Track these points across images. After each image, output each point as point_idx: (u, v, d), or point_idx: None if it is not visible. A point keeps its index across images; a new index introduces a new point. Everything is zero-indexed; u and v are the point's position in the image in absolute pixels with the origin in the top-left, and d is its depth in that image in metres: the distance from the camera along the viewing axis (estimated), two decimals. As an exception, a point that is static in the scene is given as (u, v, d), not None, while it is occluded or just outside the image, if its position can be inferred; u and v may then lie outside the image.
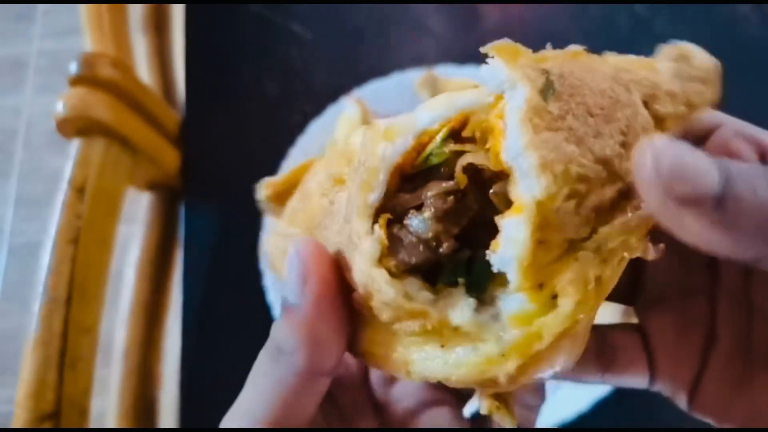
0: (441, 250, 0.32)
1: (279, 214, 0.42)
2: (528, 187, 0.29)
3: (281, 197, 0.41)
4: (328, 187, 0.37)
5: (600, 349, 0.40)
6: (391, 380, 0.46)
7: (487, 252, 0.31)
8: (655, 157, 0.25)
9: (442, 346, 0.33)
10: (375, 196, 0.33)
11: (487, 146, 0.32)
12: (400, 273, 0.33)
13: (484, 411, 0.36)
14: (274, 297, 0.95)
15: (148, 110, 1.02)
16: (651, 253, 0.31)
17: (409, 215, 0.33)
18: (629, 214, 0.30)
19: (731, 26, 1.09)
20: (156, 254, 1.06)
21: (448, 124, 0.34)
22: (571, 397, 0.89)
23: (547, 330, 0.30)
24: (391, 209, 0.34)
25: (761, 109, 1.02)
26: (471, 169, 0.32)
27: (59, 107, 0.90)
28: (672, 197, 0.25)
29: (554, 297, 0.31)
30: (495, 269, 0.31)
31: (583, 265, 0.30)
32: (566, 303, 0.30)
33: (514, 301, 0.31)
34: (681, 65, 0.35)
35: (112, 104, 0.94)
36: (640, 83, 0.33)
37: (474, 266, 0.33)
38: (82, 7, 1.04)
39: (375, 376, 0.47)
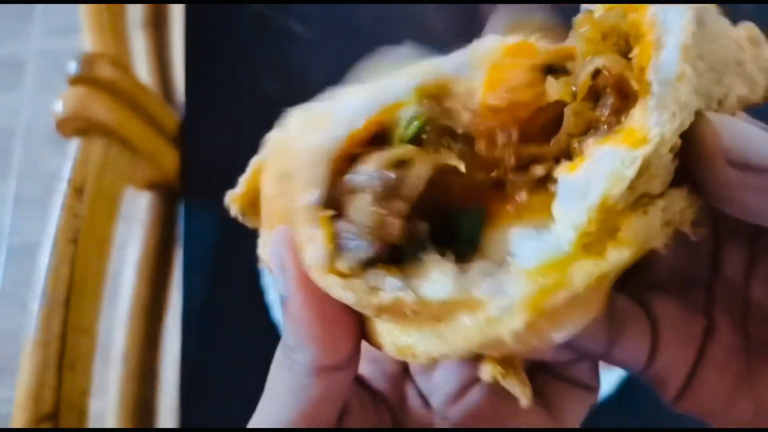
0: (392, 235, 0.29)
1: (258, 223, 0.38)
2: (661, 106, 0.27)
3: (252, 206, 0.38)
4: (282, 186, 0.33)
5: (612, 314, 0.38)
6: (428, 368, 0.44)
7: (561, 174, 0.28)
8: (717, 129, 0.28)
9: (435, 320, 0.30)
10: (314, 196, 0.30)
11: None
12: (358, 269, 0.30)
13: (487, 377, 0.34)
14: (273, 297, 0.95)
15: (148, 110, 1.02)
16: (694, 234, 0.31)
17: (351, 203, 0.30)
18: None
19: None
20: (155, 254, 1.06)
21: (420, 89, 0.31)
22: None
23: (581, 276, 0.28)
24: (334, 200, 0.31)
25: (761, 109, 1.02)
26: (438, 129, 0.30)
27: (58, 107, 0.90)
28: (734, 164, 0.27)
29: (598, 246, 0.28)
30: (569, 195, 0.28)
31: (652, 220, 0.29)
32: (618, 253, 0.28)
33: (541, 245, 0.29)
34: (756, 50, 0.34)
35: (112, 104, 0.93)
36: (733, 53, 0.32)
37: (462, 226, 0.31)
38: (82, 7, 1.04)
39: (414, 368, 0.45)
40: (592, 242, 0.28)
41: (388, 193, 0.29)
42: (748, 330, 0.37)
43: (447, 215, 0.32)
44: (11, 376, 0.81)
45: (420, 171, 0.30)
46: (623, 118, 0.28)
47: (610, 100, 0.29)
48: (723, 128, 0.28)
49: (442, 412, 0.43)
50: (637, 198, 0.29)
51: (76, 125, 0.91)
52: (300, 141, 0.31)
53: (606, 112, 0.29)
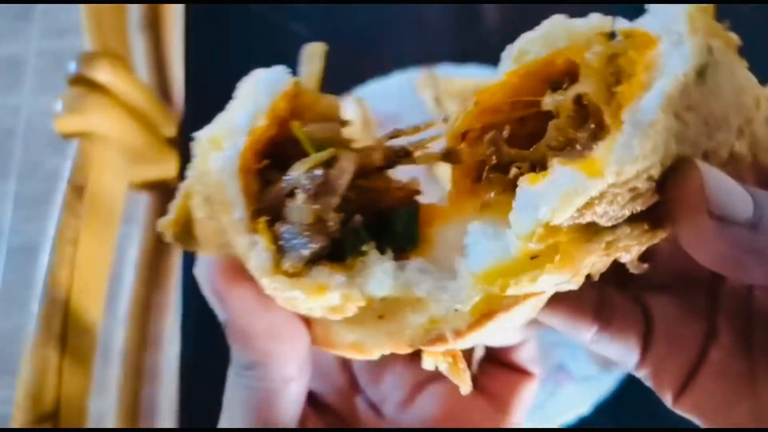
0: (329, 227, 0.31)
1: (195, 246, 0.40)
2: (627, 147, 0.27)
3: (186, 231, 0.38)
4: (208, 208, 0.34)
5: (599, 306, 0.39)
6: (376, 377, 0.46)
7: (523, 183, 0.29)
8: (703, 179, 0.29)
9: (380, 317, 0.32)
10: (238, 213, 0.32)
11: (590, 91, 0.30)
12: (303, 267, 0.32)
13: (429, 366, 0.36)
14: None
15: (147, 110, 1.02)
16: (637, 268, 0.33)
17: (287, 206, 0.32)
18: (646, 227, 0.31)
19: (731, 27, 1.09)
20: (155, 254, 1.06)
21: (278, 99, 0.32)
22: (573, 397, 0.89)
23: (522, 286, 0.30)
24: (267, 207, 0.32)
25: None
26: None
27: (58, 107, 0.90)
28: (712, 215, 0.29)
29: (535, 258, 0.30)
30: (524, 205, 0.29)
31: (591, 250, 0.30)
32: (552, 272, 0.30)
33: (494, 246, 0.30)
34: None
35: (111, 104, 0.93)
36: (742, 111, 0.32)
37: (395, 223, 0.33)
38: (81, 7, 1.04)
39: (362, 379, 0.46)
40: (538, 254, 0.30)
41: (318, 191, 0.31)
42: (752, 336, 0.37)
43: (383, 215, 0.33)
44: (11, 376, 0.81)
45: (345, 166, 0.32)
46: (596, 145, 0.29)
47: (591, 124, 0.30)
48: (709, 178, 0.29)
49: (394, 419, 0.44)
50: (587, 224, 0.29)
51: (75, 125, 0.91)
52: (206, 164, 0.32)
53: (585, 135, 0.30)
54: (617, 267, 0.34)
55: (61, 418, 0.77)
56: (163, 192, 1.09)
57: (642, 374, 0.40)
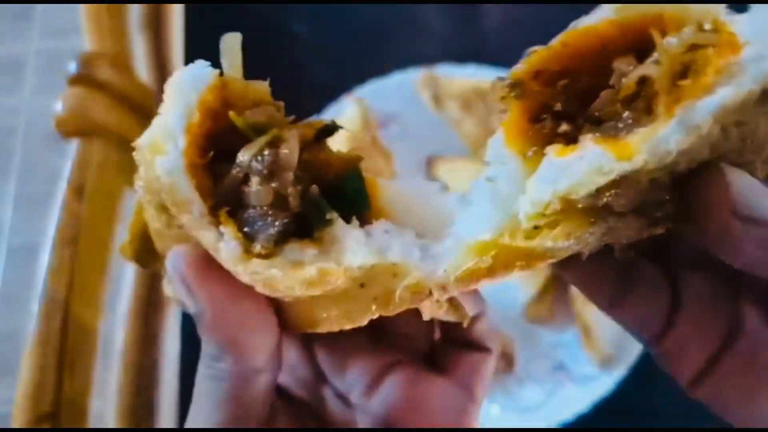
0: (290, 203, 0.32)
1: (157, 264, 0.40)
2: (664, 141, 0.28)
3: (146, 248, 0.39)
4: (165, 218, 0.35)
5: (623, 271, 0.38)
6: (341, 367, 0.46)
7: (549, 152, 0.30)
8: (730, 181, 0.30)
9: (362, 285, 0.33)
10: (197, 210, 0.32)
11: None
12: (274, 247, 0.32)
13: (427, 317, 0.37)
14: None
15: (147, 110, 1.02)
16: (620, 256, 0.34)
17: (244, 193, 0.33)
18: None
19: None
20: (155, 254, 1.06)
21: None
22: (573, 397, 0.89)
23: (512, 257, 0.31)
24: (224, 199, 0.33)
25: None
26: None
27: (58, 107, 0.90)
28: (737, 216, 0.30)
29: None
30: (545, 174, 0.30)
31: (593, 231, 0.31)
32: (545, 241, 0.31)
33: (484, 221, 0.32)
34: None
35: (111, 104, 0.93)
36: None
37: (344, 184, 0.34)
38: (81, 7, 1.04)
39: (328, 370, 0.47)
40: (540, 226, 0.30)
41: (271, 170, 0.32)
42: None
43: (331, 185, 0.35)
44: (11, 376, 0.81)
45: (291, 142, 0.33)
46: (636, 129, 0.29)
47: (641, 106, 0.30)
48: (734, 180, 0.30)
49: (362, 406, 0.45)
50: (601, 206, 0.30)
51: (75, 125, 0.91)
52: (153, 171, 0.33)
53: (631, 115, 0.30)
54: (652, 239, 0.35)
55: (61, 418, 0.77)
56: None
57: (659, 351, 0.39)
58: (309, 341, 0.47)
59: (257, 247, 0.32)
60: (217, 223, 0.32)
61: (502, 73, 0.34)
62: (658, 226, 0.33)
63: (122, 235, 0.94)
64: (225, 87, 0.35)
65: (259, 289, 0.33)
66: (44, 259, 0.82)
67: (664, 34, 0.30)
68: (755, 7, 0.30)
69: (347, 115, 1.03)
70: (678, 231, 0.35)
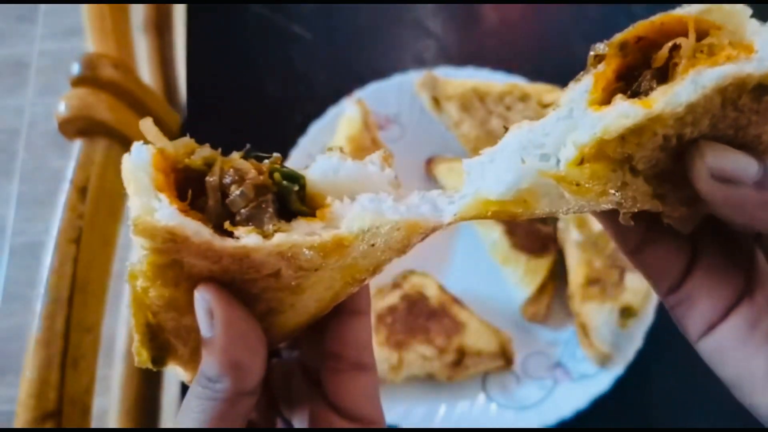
0: (269, 186, 0.39)
1: (176, 353, 0.45)
2: (678, 95, 0.34)
3: (159, 346, 0.44)
4: (173, 274, 0.39)
5: (651, 222, 0.41)
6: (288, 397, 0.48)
7: (586, 108, 0.37)
8: (708, 149, 0.35)
9: (373, 245, 0.40)
10: (206, 234, 0.37)
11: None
12: (281, 223, 0.38)
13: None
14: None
15: (150, 110, 1.03)
16: (623, 220, 0.39)
17: (230, 203, 0.39)
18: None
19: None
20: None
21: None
22: (570, 395, 0.89)
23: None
24: (218, 217, 0.38)
25: None
26: None
27: (61, 108, 0.91)
28: (718, 178, 0.35)
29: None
30: (586, 124, 0.36)
31: (612, 178, 0.37)
32: (573, 174, 0.37)
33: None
34: None
35: (114, 105, 0.94)
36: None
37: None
38: (84, 8, 1.05)
39: (280, 398, 0.49)
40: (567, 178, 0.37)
41: (239, 175, 0.39)
42: None
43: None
44: (14, 374, 0.82)
45: (234, 157, 0.41)
46: (659, 88, 0.36)
47: (667, 68, 0.37)
48: (708, 150, 0.35)
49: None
50: (622, 159, 0.36)
51: (78, 126, 0.91)
52: (157, 228, 0.37)
53: (656, 83, 0.37)
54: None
55: (63, 416, 0.78)
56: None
57: (673, 302, 0.42)
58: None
59: (270, 228, 0.38)
60: (233, 233, 0.37)
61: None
62: (656, 201, 0.38)
63: (124, 235, 0.95)
64: (163, 153, 0.40)
65: (285, 271, 0.39)
66: (47, 258, 0.82)
67: (701, 33, 0.37)
68: None
69: (348, 116, 1.04)
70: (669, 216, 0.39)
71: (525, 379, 0.93)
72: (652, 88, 0.36)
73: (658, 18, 0.38)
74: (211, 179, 0.39)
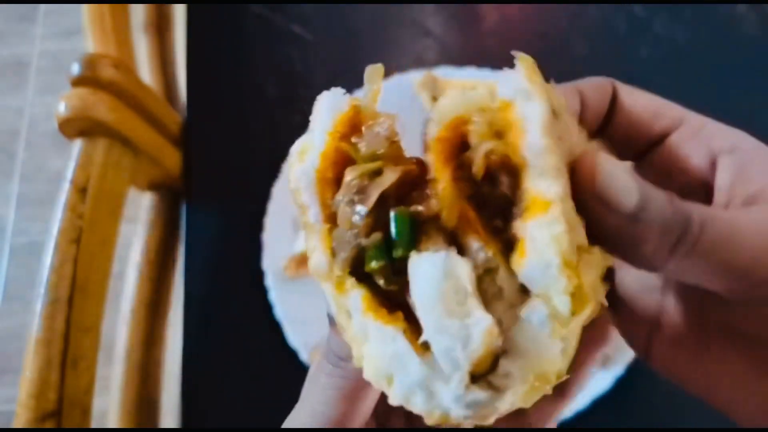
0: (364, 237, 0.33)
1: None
2: (548, 186, 0.30)
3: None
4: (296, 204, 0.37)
5: None
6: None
7: (516, 263, 0.30)
8: (598, 164, 0.30)
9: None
10: (313, 214, 0.34)
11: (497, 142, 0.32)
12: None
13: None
14: (275, 296, 0.96)
15: (150, 111, 1.03)
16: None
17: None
18: None
19: (730, 26, 1.09)
20: (158, 254, 1.06)
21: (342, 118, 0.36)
22: (570, 397, 0.89)
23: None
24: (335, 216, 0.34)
25: (759, 108, 1.02)
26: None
27: (61, 108, 0.91)
28: (600, 201, 0.30)
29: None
30: (529, 283, 0.30)
31: (594, 266, 0.32)
32: (588, 308, 0.31)
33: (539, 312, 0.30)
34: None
35: (114, 105, 0.94)
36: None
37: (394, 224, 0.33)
38: (84, 8, 1.05)
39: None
40: (581, 297, 0.30)
41: (360, 192, 0.33)
42: (704, 311, 0.37)
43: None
44: (14, 374, 0.82)
45: (389, 177, 0.34)
46: (519, 195, 0.31)
47: (503, 178, 0.32)
48: (601, 164, 0.30)
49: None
50: (580, 253, 0.31)
51: (78, 126, 0.91)
52: (295, 170, 0.36)
53: (506, 190, 0.32)
54: None
55: (64, 416, 0.78)
56: (166, 192, 1.10)
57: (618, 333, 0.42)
58: None
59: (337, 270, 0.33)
60: (319, 233, 0.34)
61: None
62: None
63: (124, 234, 0.95)
64: (357, 114, 0.37)
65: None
66: (47, 258, 0.82)
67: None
68: (502, 75, 0.34)
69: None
70: None
71: (525, 379, 0.93)
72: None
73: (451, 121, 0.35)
74: (347, 177, 0.34)
